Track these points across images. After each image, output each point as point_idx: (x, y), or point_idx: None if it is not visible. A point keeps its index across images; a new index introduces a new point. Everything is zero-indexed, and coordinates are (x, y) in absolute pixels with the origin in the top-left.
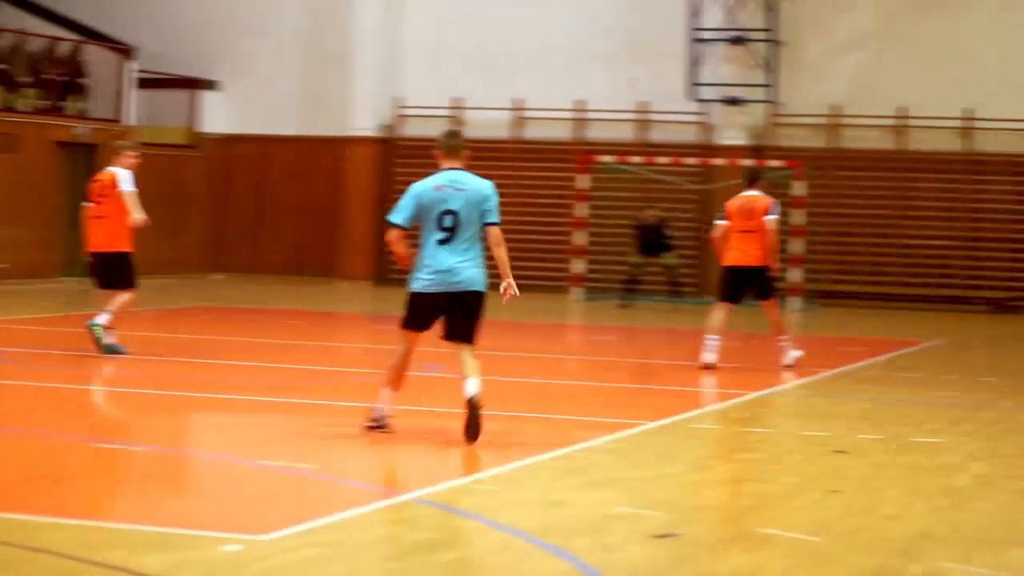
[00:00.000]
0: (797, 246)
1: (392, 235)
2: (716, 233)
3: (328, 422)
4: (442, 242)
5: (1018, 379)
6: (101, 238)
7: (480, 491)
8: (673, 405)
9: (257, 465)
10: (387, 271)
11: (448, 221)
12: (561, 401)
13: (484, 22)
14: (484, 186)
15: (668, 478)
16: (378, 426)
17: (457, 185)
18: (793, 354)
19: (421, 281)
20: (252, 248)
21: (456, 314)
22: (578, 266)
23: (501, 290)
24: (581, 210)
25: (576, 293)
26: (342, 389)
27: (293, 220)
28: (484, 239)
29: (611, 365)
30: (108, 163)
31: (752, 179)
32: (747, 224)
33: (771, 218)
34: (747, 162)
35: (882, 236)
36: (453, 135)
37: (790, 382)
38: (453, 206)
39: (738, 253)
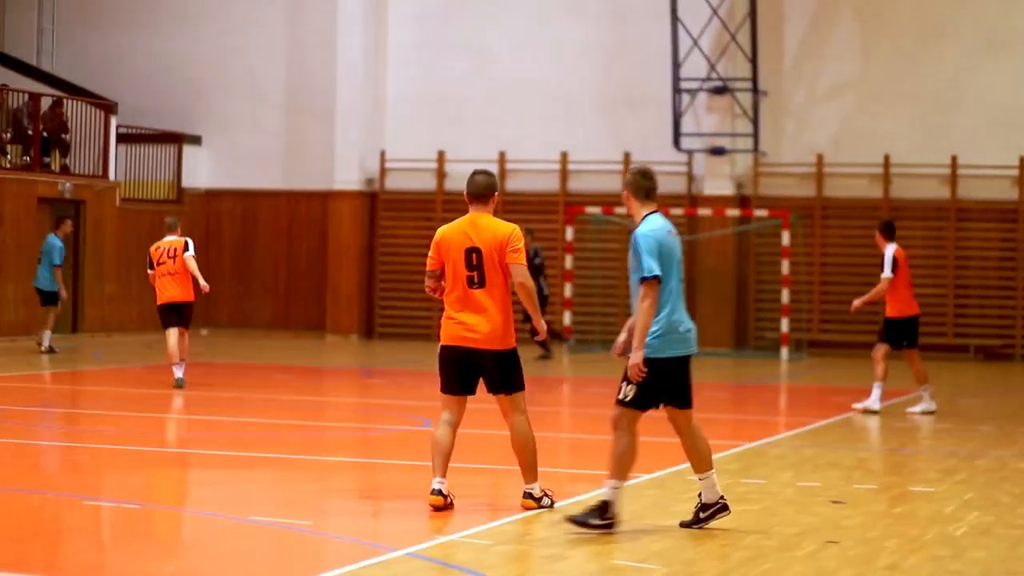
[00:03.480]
0: (784, 295)
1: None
2: (884, 287)
3: (319, 478)
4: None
5: (1012, 427)
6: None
7: (475, 545)
8: (667, 457)
9: (247, 522)
10: (375, 325)
11: (681, 271)
12: (553, 454)
13: (467, 74)
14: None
15: (665, 531)
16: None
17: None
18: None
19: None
20: (239, 302)
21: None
22: (565, 318)
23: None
24: (567, 262)
25: (565, 344)
26: (333, 445)
27: (279, 274)
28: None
29: (602, 417)
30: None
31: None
32: (908, 274)
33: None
34: (733, 212)
35: (869, 284)
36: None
37: (782, 432)
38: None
39: (907, 304)
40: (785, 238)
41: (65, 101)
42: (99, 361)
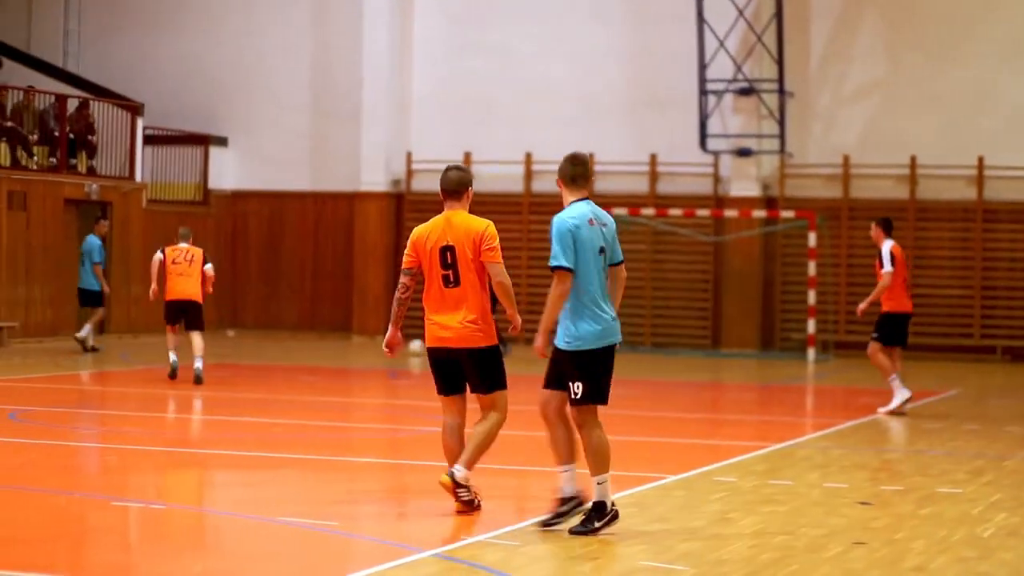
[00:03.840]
0: (810, 296)
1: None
2: (887, 281)
3: (346, 479)
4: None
5: None
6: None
7: (503, 547)
8: (693, 458)
9: (275, 522)
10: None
11: (604, 261)
12: (578, 455)
13: (493, 75)
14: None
15: (691, 531)
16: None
17: (603, 220)
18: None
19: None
20: (265, 304)
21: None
22: None
23: None
24: None
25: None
26: (360, 446)
27: (305, 275)
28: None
29: (628, 419)
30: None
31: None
32: (905, 273)
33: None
34: (759, 213)
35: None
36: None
37: (808, 434)
38: (604, 243)
39: (901, 300)
40: (811, 239)
41: (91, 103)
42: (126, 362)
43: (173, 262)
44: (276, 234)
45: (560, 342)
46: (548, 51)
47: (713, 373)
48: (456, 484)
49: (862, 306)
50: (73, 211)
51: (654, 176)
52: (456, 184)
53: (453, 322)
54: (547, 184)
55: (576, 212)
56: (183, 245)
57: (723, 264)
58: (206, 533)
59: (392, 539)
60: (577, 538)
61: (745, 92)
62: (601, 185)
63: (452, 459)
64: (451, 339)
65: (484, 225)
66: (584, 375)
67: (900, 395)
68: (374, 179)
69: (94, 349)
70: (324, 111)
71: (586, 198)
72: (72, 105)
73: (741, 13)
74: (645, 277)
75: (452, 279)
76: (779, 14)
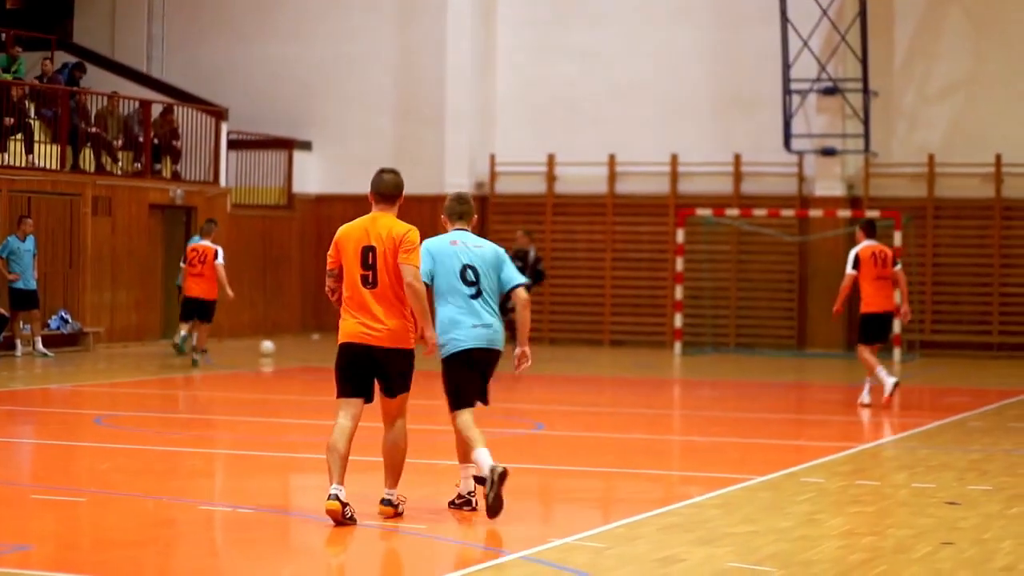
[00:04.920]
0: (896, 296)
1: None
2: (845, 283)
3: (431, 481)
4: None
5: None
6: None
7: (591, 548)
8: (779, 459)
9: (364, 526)
10: None
11: (472, 276)
12: (664, 456)
13: (576, 77)
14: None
15: (779, 532)
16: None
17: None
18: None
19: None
20: None
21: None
22: (676, 320)
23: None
24: (678, 264)
25: (676, 347)
26: (443, 448)
27: None
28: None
29: (714, 419)
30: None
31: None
32: (883, 272)
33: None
34: (844, 213)
35: (982, 284)
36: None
37: (895, 434)
38: (473, 262)
39: (869, 301)
40: (897, 239)
41: (176, 108)
42: (210, 366)
43: (190, 263)
44: None
45: None
46: (631, 52)
47: (798, 373)
48: (394, 508)
49: (836, 307)
50: (158, 216)
51: (738, 176)
52: (392, 188)
53: (374, 322)
54: (631, 185)
55: (447, 236)
56: (202, 243)
57: (808, 264)
58: (293, 537)
59: (480, 542)
60: (665, 540)
61: (829, 91)
62: (685, 186)
63: (342, 465)
64: (373, 337)
65: (407, 229)
66: (444, 380)
67: (887, 383)
68: (458, 181)
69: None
70: (408, 114)
71: (465, 229)
72: (156, 110)
73: (825, 12)
74: (730, 278)
75: (371, 280)
76: (863, 13)
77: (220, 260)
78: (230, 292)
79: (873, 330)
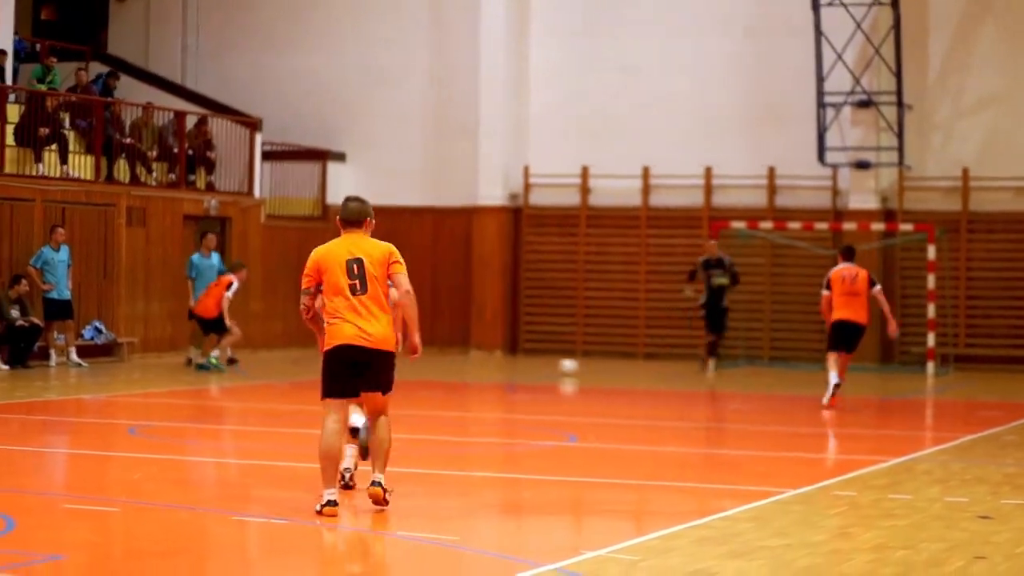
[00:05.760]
0: (930, 310)
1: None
2: (821, 305)
3: (464, 492)
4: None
5: None
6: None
7: (623, 561)
8: (812, 472)
9: (396, 537)
10: (520, 341)
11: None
12: (697, 469)
13: (610, 90)
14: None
15: (812, 546)
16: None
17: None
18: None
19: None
20: None
21: None
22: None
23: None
24: None
25: (710, 361)
26: (477, 460)
27: (424, 290)
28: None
29: (746, 432)
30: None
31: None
32: (851, 288)
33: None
34: (878, 226)
35: (1015, 298)
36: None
37: (928, 448)
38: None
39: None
40: (931, 252)
41: (210, 119)
42: (245, 377)
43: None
44: None
45: None
46: (666, 66)
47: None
48: (384, 490)
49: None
50: (192, 227)
51: (772, 189)
52: (357, 215)
53: (368, 326)
54: (665, 198)
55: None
56: (228, 275)
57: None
58: (327, 547)
59: (512, 553)
60: (698, 553)
61: (863, 105)
62: (719, 199)
63: (337, 461)
64: (368, 340)
65: (390, 246)
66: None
67: (829, 387)
68: (492, 193)
69: (232, 362)
70: (442, 126)
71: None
72: (191, 121)
73: (859, 26)
74: (764, 291)
75: (360, 288)
76: (897, 26)
77: (229, 295)
78: (229, 322)
79: (836, 336)
